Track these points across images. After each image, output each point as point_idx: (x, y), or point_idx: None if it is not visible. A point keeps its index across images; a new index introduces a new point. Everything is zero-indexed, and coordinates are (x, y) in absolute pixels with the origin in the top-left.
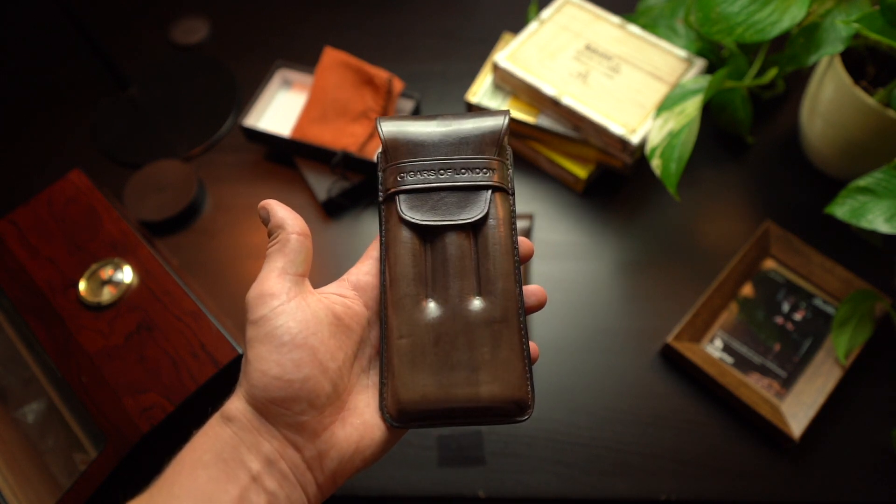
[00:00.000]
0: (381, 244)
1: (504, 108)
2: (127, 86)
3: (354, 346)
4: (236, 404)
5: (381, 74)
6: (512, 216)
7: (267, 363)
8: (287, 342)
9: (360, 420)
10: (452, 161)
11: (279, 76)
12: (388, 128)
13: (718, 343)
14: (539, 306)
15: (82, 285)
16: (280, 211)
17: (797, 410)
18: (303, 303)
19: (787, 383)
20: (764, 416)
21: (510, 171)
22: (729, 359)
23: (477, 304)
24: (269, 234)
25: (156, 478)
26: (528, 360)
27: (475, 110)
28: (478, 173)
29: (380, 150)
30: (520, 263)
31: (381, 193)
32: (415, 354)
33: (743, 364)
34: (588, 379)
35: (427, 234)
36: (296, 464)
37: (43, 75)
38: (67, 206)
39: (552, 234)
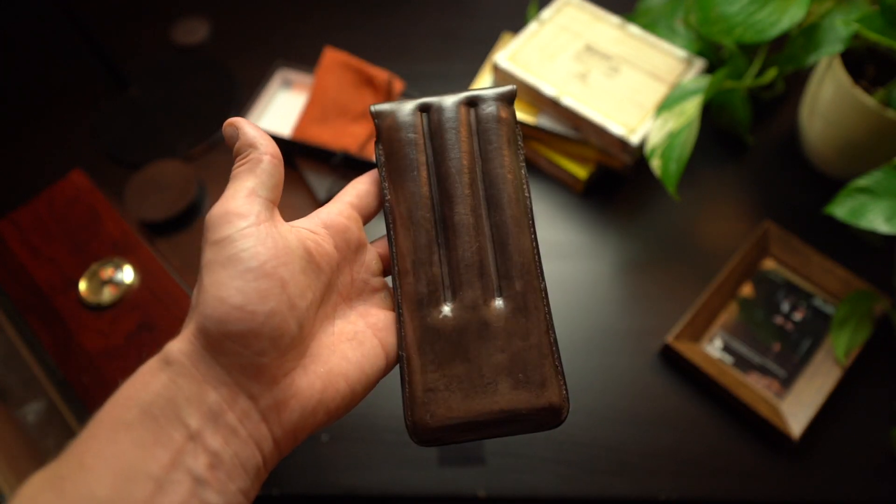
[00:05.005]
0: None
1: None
2: (127, 86)
3: (322, 288)
4: (179, 345)
5: (380, 75)
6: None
7: (227, 290)
8: (254, 268)
9: (324, 369)
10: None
11: (279, 76)
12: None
13: (718, 343)
14: None
15: (83, 285)
16: (251, 130)
17: (797, 410)
18: (273, 229)
19: (787, 383)
20: (763, 415)
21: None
22: (729, 358)
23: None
24: (237, 155)
25: (69, 443)
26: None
27: None
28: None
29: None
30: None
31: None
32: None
33: (742, 364)
34: (588, 379)
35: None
36: (247, 414)
37: (43, 75)
38: (68, 206)
39: (552, 234)
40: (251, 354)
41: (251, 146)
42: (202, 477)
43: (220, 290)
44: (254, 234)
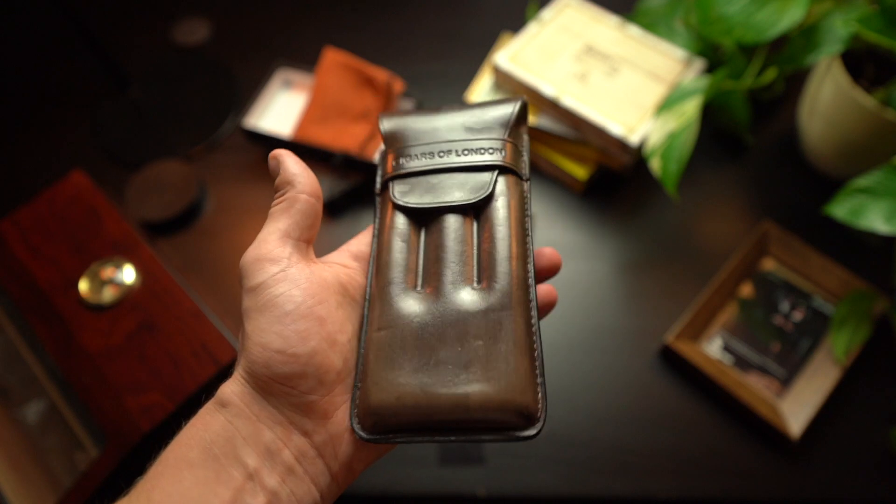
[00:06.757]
0: (373, 237)
1: None
2: (127, 86)
3: (360, 319)
4: (232, 387)
5: (380, 75)
6: (524, 202)
7: (268, 335)
8: (290, 311)
9: None
10: (453, 143)
11: (279, 76)
12: (389, 123)
13: (718, 343)
14: (552, 270)
15: (83, 285)
16: (292, 165)
17: (796, 410)
18: (306, 269)
19: (787, 383)
20: (763, 415)
21: (525, 156)
22: (728, 358)
23: (473, 291)
24: (276, 190)
25: (137, 480)
26: (539, 360)
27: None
28: (482, 154)
29: (380, 149)
30: (532, 251)
31: (377, 184)
32: (393, 349)
33: (742, 364)
34: (588, 378)
35: (422, 221)
36: (303, 451)
37: (43, 75)
38: (69, 207)
39: (552, 234)
40: (299, 393)
41: (289, 184)
42: None
43: (262, 337)
44: (287, 278)
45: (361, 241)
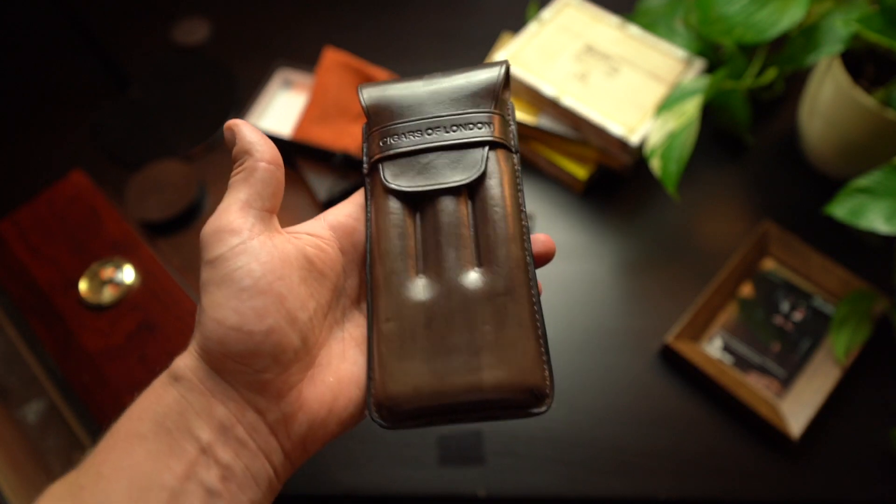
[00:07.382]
0: (366, 220)
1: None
2: (127, 86)
3: (328, 294)
4: (186, 361)
5: (380, 75)
6: (517, 176)
7: (224, 311)
8: (248, 287)
9: (334, 377)
10: (441, 118)
11: (279, 76)
12: (370, 92)
13: (718, 343)
14: (547, 256)
15: (83, 285)
16: (249, 134)
17: (796, 410)
18: (268, 242)
19: (787, 383)
20: (763, 415)
21: (512, 126)
22: (728, 358)
23: (475, 276)
24: (234, 161)
25: (87, 452)
26: (543, 339)
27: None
28: (471, 129)
29: (365, 124)
30: (529, 230)
31: (365, 165)
32: (403, 339)
33: (742, 364)
34: (588, 379)
35: (416, 204)
36: (256, 428)
37: (43, 75)
38: (68, 207)
39: (552, 234)
40: (253, 372)
41: (247, 152)
42: (215, 489)
43: (217, 312)
44: (247, 251)
45: (341, 211)
